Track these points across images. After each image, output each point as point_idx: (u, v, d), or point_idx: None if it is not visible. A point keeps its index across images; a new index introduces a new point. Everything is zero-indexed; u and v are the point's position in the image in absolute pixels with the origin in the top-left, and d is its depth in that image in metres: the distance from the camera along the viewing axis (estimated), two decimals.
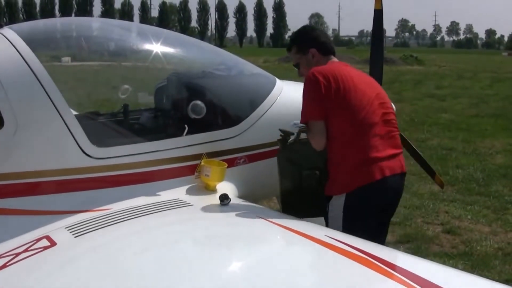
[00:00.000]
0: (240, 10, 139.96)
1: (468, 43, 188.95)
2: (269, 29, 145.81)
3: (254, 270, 2.34)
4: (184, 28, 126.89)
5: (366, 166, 3.26)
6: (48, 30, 4.10)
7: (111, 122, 3.97)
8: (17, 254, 2.49)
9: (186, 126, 3.56)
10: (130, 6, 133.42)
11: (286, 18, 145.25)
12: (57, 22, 4.75)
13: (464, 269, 5.07)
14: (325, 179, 3.43)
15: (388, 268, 2.22)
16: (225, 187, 3.44)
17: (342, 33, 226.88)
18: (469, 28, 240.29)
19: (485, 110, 16.77)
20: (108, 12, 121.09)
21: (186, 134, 3.55)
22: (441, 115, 15.56)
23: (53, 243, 2.60)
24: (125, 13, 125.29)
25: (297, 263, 2.44)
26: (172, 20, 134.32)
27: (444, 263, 5.10)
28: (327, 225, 3.38)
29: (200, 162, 3.50)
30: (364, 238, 2.68)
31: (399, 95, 19.20)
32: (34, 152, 2.98)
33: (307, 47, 3.59)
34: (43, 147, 3.02)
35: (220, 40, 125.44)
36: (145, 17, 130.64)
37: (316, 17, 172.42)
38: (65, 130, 3.03)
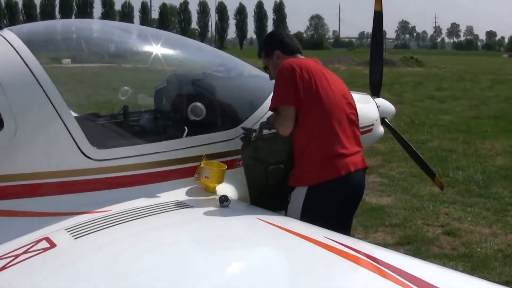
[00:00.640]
0: (241, 12, 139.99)
1: (469, 44, 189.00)
2: (270, 31, 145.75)
3: (253, 271, 2.34)
4: (184, 30, 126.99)
5: (332, 161, 3.37)
6: (48, 32, 4.10)
7: (111, 124, 3.97)
8: (17, 256, 2.49)
9: (185, 128, 3.56)
10: (130, 8, 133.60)
11: (287, 20, 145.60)
12: (57, 24, 4.75)
13: (464, 271, 5.07)
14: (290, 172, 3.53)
15: (387, 269, 2.22)
16: (225, 189, 3.45)
17: (342, 35, 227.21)
18: (469, 30, 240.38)
19: (485, 111, 16.77)
20: (108, 14, 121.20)
21: (186, 136, 3.55)
22: (441, 117, 15.55)
23: (52, 245, 2.60)
24: (125, 15, 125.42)
25: (295, 265, 2.44)
26: (172, 21, 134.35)
27: (444, 264, 5.11)
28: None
29: (200, 164, 3.51)
30: None
31: (399, 97, 19.20)
32: (33, 153, 2.98)
33: (272, 50, 3.76)
34: (42, 149, 3.02)
35: (220, 42, 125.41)
36: (145, 19, 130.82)
37: (316, 19, 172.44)
38: (64, 132, 3.03)
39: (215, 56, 4.71)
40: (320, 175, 3.37)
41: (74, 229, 2.76)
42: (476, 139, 12.03)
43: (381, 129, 5.08)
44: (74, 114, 3.46)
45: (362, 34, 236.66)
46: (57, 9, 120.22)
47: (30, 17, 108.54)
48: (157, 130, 3.92)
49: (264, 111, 3.85)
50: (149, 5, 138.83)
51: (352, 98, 3.74)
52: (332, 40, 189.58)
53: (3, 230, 2.77)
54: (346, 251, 2.43)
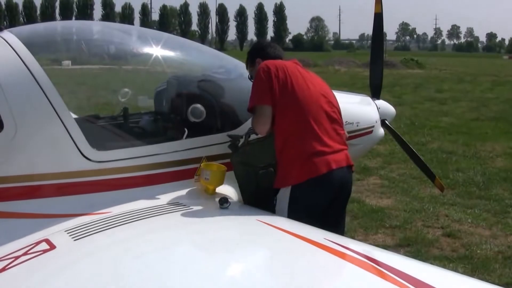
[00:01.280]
0: (241, 14, 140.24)
1: (469, 46, 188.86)
2: (270, 33, 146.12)
3: (254, 273, 2.34)
4: (185, 31, 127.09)
5: (311, 160, 3.36)
6: (48, 34, 4.10)
7: (110, 126, 3.97)
8: (16, 257, 2.49)
9: (185, 129, 3.56)
10: (131, 10, 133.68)
11: (287, 22, 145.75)
12: (57, 26, 4.76)
13: (464, 272, 5.06)
14: None
15: (387, 271, 2.21)
16: (225, 190, 3.45)
17: (342, 37, 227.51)
18: (469, 32, 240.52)
19: (485, 113, 16.78)
20: (108, 15, 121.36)
21: (186, 138, 3.55)
22: (441, 119, 15.56)
23: (52, 246, 2.60)
24: (126, 17, 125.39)
25: (296, 266, 2.43)
26: (172, 23, 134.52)
27: (444, 266, 5.11)
28: None
29: (200, 166, 3.50)
30: None
31: (399, 99, 19.23)
32: (33, 155, 2.98)
33: (254, 59, 3.82)
34: (42, 150, 3.02)
35: (220, 43, 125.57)
36: (145, 21, 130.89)
37: (317, 21, 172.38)
38: (64, 134, 3.03)
39: (215, 58, 4.71)
40: (301, 174, 3.36)
41: (73, 231, 2.76)
42: (476, 141, 12.03)
43: (381, 131, 5.09)
44: (74, 116, 3.46)
45: (362, 36, 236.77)
46: (57, 10, 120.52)
47: (30, 18, 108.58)
48: (157, 132, 3.92)
49: None
50: (149, 6, 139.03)
51: (334, 97, 3.73)
52: (333, 42, 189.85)
53: (3, 232, 2.77)
54: (346, 253, 2.43)
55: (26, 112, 2.97)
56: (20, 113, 2.94)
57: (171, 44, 4.42)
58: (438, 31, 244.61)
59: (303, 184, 3.36)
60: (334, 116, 3.56)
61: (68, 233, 2.75)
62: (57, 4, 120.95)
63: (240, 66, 4.51)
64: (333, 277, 2.34)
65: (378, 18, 5.15)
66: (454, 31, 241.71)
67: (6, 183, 2.91)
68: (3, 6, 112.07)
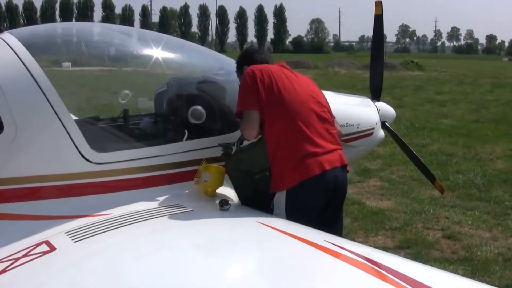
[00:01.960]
0: (241, 16, 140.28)
1: (469, 48, 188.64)
2: (270, 35, 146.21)
3: (254, 275, 2.34)
4: (185, 33, 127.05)
5: (304, 161, 3.34)
6: (49, 35, 4.10)
7: (111, 127, 3.96)
8: (17, 259, 2.49)
9: (186, 131, 3.56)
10: (131, 11, 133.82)
11: (287, 24, 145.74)
12: (58, 27, 4.76)
13: (465, 274, 5.06)
14: None
15: (387, 273, 2.21)
16: (225, 192, 3.44)
17: (342, 39, 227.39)
18: (469, 34, 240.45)
19: (485, 115, 16.78)
20: (108, 17, 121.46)
21: (186, 140, 3.55)
22: (441, 121, 15.56)
23: (52, 248, 2.60)
24: (126, 18, 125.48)
25: (296, 268, 2.43)
26: (172, 25, 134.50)
27: (444, 268, 5.10)
28: None
29: (199, 168, 3.50)
30: None
31: (399, 101, 19.22)
32: (33, 157, 2.98)
33: (242, 66, 3.78)
34: (42, 152, 3.02)
35: (220, 45, 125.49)
36: (145, 22, 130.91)
37: (317, 23, 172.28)
38: (64, 135, 3.03)
39: (215, 60, 4.71)
40: (295, 176, 3.34)
41: (73, 233, 2.76)
42: (476, 143, 12.03)
43: (381, 133, 5.09)
44: (74, 118, 3.46)
45: (362, 38, 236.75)
46: (57, 12, 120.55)
47: (30, 20, 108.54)
48: (157, 133, 3.92)
49: None
50: (149, 8, 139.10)
51: (324, 96, 3.71)
52: (333, 43, 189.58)
53: (3, 233, 2.77)
54: (347, 255, 2.43)
55: (26, 114, 2.97)
56: (20, 115, 2.94)
57: (171, 46, 4.42)
58: (438, 33, 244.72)
59: (297, 187, 3.34)
60: (324, 116, 3.54)
61: (68, 235, 2.75)
62: (57, 5, 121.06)
63: None
64: (333, 279, 2.34)
65: (378, 20, 5.15)
66: (454, 33, 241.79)
67: (6, 185, 2.91)
68: (3, 8, 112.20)
